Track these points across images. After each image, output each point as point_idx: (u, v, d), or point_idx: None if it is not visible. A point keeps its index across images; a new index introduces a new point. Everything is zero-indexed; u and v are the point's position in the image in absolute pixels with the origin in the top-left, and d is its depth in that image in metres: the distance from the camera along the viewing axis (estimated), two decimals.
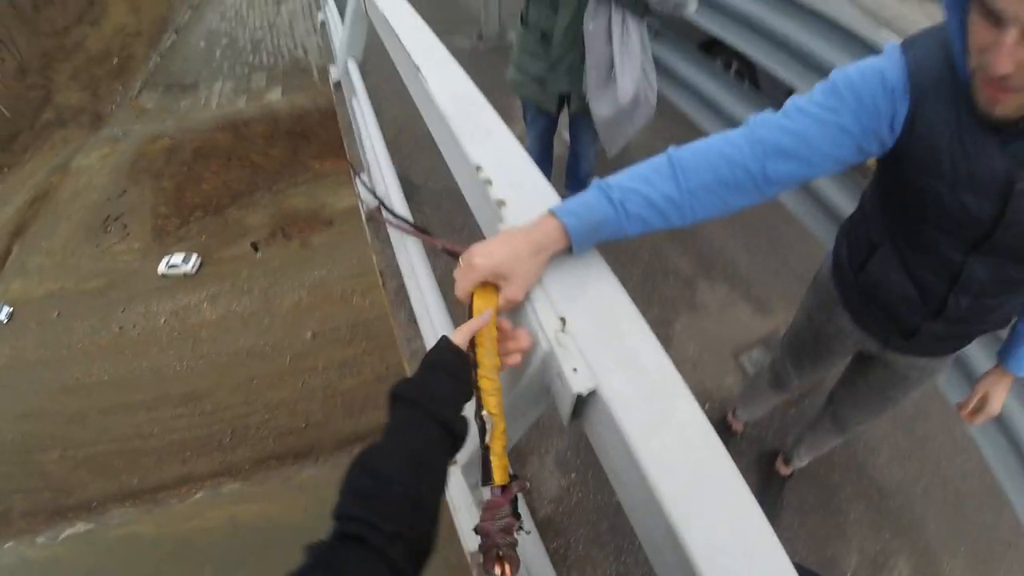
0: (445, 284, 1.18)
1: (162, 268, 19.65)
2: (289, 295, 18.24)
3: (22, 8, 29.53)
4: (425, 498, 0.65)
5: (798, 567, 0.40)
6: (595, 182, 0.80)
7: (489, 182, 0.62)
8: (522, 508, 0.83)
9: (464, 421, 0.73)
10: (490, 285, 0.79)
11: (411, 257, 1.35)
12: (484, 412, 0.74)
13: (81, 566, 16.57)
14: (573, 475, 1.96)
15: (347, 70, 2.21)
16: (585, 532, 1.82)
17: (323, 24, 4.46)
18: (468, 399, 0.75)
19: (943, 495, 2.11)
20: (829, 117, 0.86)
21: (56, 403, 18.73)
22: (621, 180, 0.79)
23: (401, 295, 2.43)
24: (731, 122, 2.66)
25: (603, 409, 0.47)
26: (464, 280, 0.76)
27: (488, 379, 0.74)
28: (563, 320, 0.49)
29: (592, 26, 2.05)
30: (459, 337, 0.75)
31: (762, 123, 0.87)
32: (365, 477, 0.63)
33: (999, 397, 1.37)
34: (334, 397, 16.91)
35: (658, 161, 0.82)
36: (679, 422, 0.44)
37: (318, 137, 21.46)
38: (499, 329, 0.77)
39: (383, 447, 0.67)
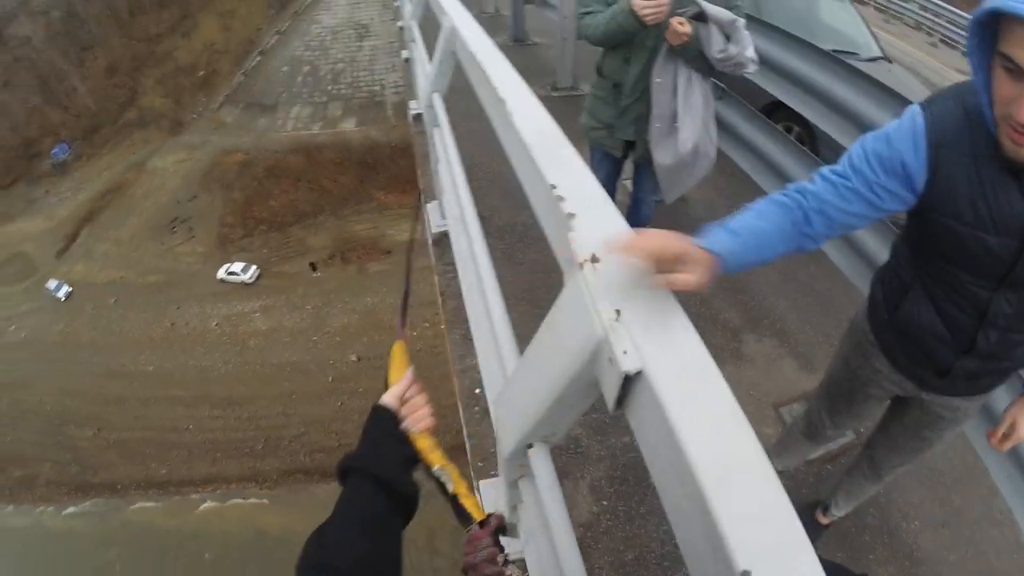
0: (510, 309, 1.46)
1: (221, 274, 22.52)
2: (340, 317, 20.77)
3: (118, 11, 34.08)
4: (383, 569, 0.74)
5: (824, 561, 0.44)
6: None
7: (562, 199, 0.74)
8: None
9: (414, 485, 0.84)
10: (404, 344, 1.03)
11: (482, 279, 1.52)
12: (435, 468, 0.88)
13: (93, 543, 18.67)
14: (605, 503, 2.12)
15: (431, 103, 2.50)
16: (611, 560, 1.98)
17: (407, 60, 5.37)
18: (415, 461, 0.89)
19: (976, 568, 2.19)
20: (849, 187, 1.15)
21: (99, 385, 21.29)
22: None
23: (459, 315, 2.69)
24: (788, 180, 2.87)
25: (647, 389, 0.54)
26: (660, 241, 0.79)
27: (422, 438, 0.89)
28: (618, 311, 0.58)
29: (659, 80, 2.41)
30: (390, 400, 0.91)
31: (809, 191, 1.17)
32: (322, 553, 0.72)
33: None
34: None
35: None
36: (715, 405, 0.51)
37: (386, 170, 24.48)
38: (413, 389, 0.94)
39: (337, 521, 0.76)
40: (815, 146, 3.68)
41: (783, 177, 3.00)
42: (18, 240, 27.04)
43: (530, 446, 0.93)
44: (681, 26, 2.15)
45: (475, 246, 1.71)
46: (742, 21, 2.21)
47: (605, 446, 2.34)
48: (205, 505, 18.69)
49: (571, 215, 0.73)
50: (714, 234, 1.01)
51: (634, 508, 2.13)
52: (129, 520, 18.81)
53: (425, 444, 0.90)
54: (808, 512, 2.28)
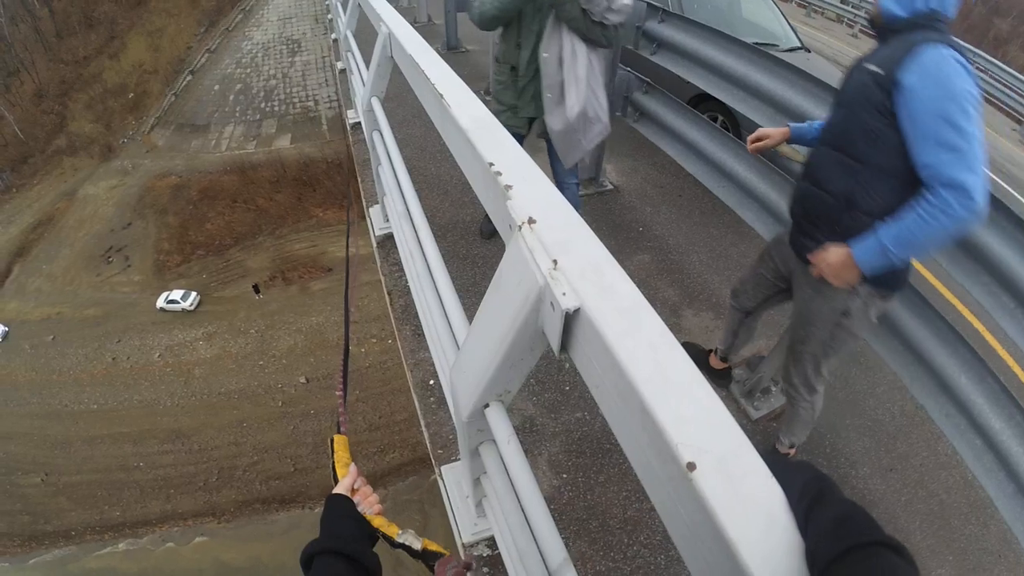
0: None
1: (160, 303, 20.71)
2: (285, 339, 18.70)
3: (45, 34, 29.95)
4: None
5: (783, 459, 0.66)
6: None
7: (499, 173, 0.76)
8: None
9: (373, 555, 0.82)
10: (343, 436, 1.02)
11: (435, 279, 1.49)
12: (398, 535, 0.88)
13: None
14: (565, 476, 2.04)
15: (371, 107, 2.43)
16: (576, 529, 1.90)
17: (343, 71, 5.17)
18: (374, 539, 0.88)
19: (927, 507, 2.14)
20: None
21: (42, 427, 19.08)
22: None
23: (408, 311, 2.62)
24: (715, 165, 2.97)
25: (587, 324, 0.54)
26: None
27: (376, 519, 0.89)
28: (555, 261, 0.59)
29: (546, 54, 2.42)
30: (342, 490, 0.90)
31: None
32: None
33: (836, 257, 1.48)
34: (325, 443, 16.72)
35: None
36: (648, 329, 0.52)
37: (323, 186, 22.17)
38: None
39: None
40: (738, 132, 3.65)
41: (710, 161, 2.95)
42: None
43: (486, 406, 0.91)
44: None
45: (421, 234, 1.64)
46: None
47: (559, 422, 2.21)
48: (166, 545, 16.49)
49: (508, 186, 0.74)
50: None
51: (593, 478, 2.00)
52: (89, 568, 16.38)
53: (381, 522, 0.90)
54: (702, 363, 2.42)
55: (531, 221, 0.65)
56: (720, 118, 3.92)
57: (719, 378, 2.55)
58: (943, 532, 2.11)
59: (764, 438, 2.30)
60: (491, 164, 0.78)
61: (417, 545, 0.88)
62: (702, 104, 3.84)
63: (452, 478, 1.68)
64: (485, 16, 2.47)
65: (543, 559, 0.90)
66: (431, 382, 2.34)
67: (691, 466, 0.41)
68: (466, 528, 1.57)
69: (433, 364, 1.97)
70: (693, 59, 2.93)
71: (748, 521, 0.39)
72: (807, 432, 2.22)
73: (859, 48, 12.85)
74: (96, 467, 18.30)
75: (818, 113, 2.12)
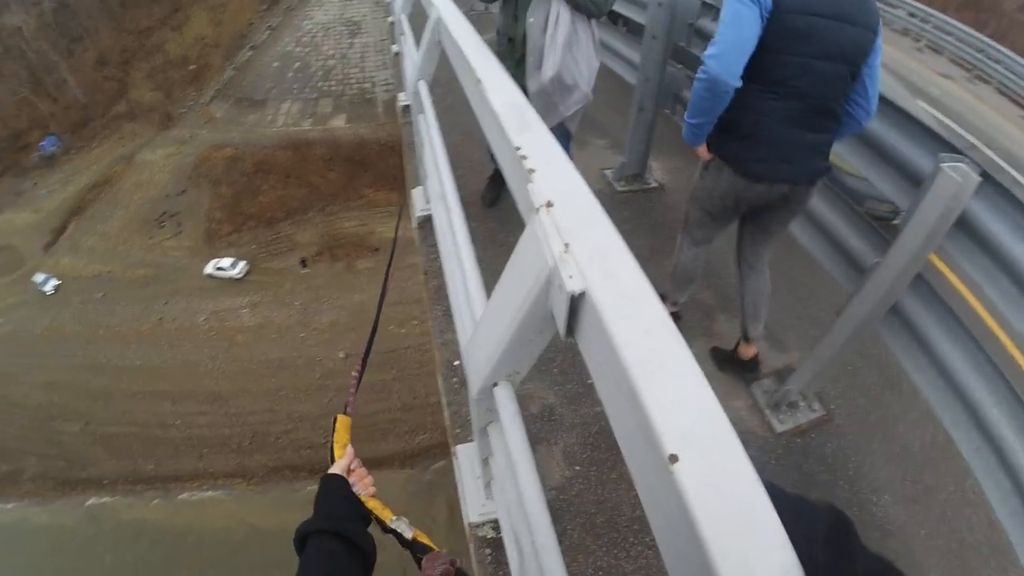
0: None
1: (209, 269, 22.25)
2: (328, 314, 20.45)
3: (110, 3, 33.43)
4: None
5: (786, 494, 0.49)
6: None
7: (524, 157, 0.84)
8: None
9: (368, 535, 0.92)
10: (347, 418, 1.15)
11: (461, 259, 1.63)
12: (392, 520, 1.00)
13: (81, 540, 18.29)
14: (577, 468, 2.18)
15: (417, 90, 2.67)
16: (582, 522, 2.00)
17: (397, 54, 5.66)
18: (368, 520, 0.98)
19: (947, 544, 2.18)
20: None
21: (86, 379, 20.93)
22: None
23: (440, 292, 2.88)
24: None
25: (591, 308, 0.60)
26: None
27: (371, 500, 1.00)
28: (567, 245, 0.66)
29: (532, 19, 2.71)
30: (338, 471, 1.02)
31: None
32: None
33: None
34: (359, 419, 18.54)
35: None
36: (648, 315, 0.56)
37: (375, 167, 24.12)
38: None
39: None
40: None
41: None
42: (5, 233, 26.52)
43: (495, 385, 0.99)
44: None
45: (452, 213, 1.79)
46: None
47: (578, 415, 2.39)
48: (194, 498, 18.40)
49: (531, 170, 0.82)
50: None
51: (605, 474, 2.17)
52: (118, 516, 18.46)
53: (375, 505, 0.99)
54: (730, 359, 2.65)
55: (549, 205, 0.73)
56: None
57: (747, 370, 2.70)
58: (960, 572, 2.17)
59: (786, 452, 2.38)
60: (518, 148, 0.88)
61: (408, 534, 0.98)
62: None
63: (466, 458, 1.82)
64: None
65: (533, 541, 0.95)
66: (455, 363, 2.56)
67: (673, 458, 0.44)
68: (474, 508, 1.73)
69: (458, 345, 2.19)
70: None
71: (725, 520, 0.42)
72: (683, 289, 2.66)
73: (923, 63, 13.30)
74: (134, 421, 19.62)
75: (868, 121, 2.20)
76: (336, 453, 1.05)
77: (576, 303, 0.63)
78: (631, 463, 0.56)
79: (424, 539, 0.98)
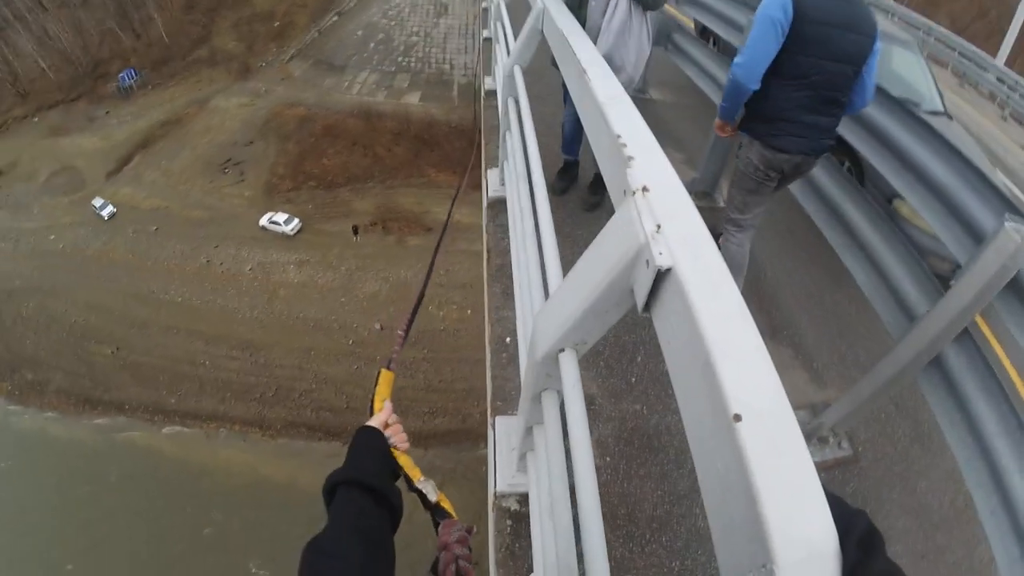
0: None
1: (263, 221, 23.29)
2: (371, 284, 21.75)
3: None
4: (380, 572, 0.83)
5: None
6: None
7: (624, 145, 0.94)
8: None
9: (397, 491, 0.96)
10: (390, 373, 1.22)
11: (542, 234, 1.71)
12: (419, 481, 1.05)
13: (92, 457, 19.85)
14: (608, 459, 2.31)
15: (512, 74, 2.88)
16: (604, 511, 1.64)
17: (487, 39, 6.03)
18: (396, 475, 1.03)
19: None
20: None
21: (126, 306, 22.37)
22: None
23: (501, 272, 3.07)
24: (832, 208, 3.28)
25: (675, 283, 0.68)
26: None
27: (403, 456, 1.07)
28: (659, 226, 0.74)
29: (594, 4, 3.20)
30: (375, 423, 1.09)
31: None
32: (322, 561, 0.80)
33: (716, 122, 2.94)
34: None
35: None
36: (726, 297, 0.65)
37: (441, 148, 25.52)
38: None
39: (333, 531, 0.85)
40: (862, 180, 4.01)
41: (829, 203, 3.32)
42: (71, 154, 28.76)
43: (561, 351, 1.08)
44: None
45: (537, 193, 1.94)
46: None
47: (617, 409, 2.59)
48: (210, 438, 19.97)
49: (631, 157, 0.93)
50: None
51: (634, 469, 2.35)
52: (133, 441, 20.07)
53: (406, 461, 1.07)
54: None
55: (645, 189, 0.82)
56: (847, 163, 4.17)
57: None
58: None
59: None
60: (618, 136, 0.98)
61: (433, 497, 1.05)
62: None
63: (503, 429, 1.98)
64: None
65: (575, 515, 1.02)
66: (507, 339, 2.71)
67: (737, 417, 0.51)
68: (503, 478, 1.89)
69: (514, 323, 2.33)
70: None
71: (777, 477, 0.48)
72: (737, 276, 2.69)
73: (1006, 131, 13.40)
74: (165, 354, 20.85)
75: (941, 176, 2.45)
76: (376, 406, 1.15)
77: (661, 278, 0.72)
78: (691, 425, 0.64)
79: (447, 504, 1.05)
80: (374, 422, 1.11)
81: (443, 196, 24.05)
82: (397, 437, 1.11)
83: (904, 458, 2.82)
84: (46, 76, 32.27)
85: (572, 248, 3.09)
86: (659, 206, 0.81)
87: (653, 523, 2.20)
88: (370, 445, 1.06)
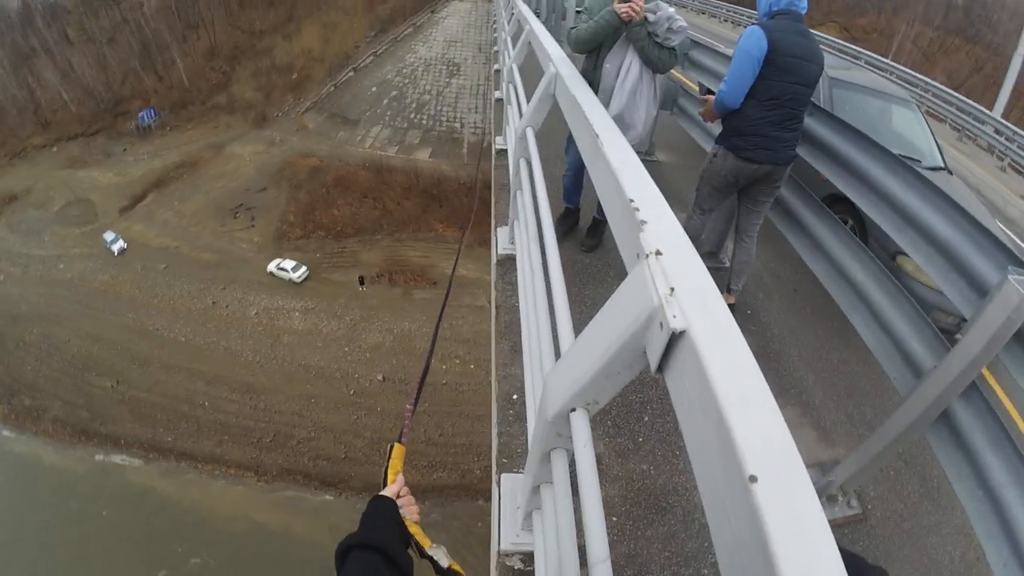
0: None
1: (271, 267, 24.03)
2: (375, 334, 22.55)
3: (229, 1, 39.12)
4: None
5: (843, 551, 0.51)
6: None
7: (637, 209, 1.01)
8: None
9: (409, 558, 1.03)
10: (402, 447, 1.30)
11: (553, 294, 1.77)
12: (430, 548, 1.13)
13: (85, 489, 20.12)
14: (614, 519, 2.46)
15: (524, 136, 3.00)
16: None
17: (499, 100, 6.29)
18: (408, 543, 1.11)
19: None
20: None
21: (129, 340, 22.74)
22: None
23: (510, 329, 3.22)
24: (837, 267, 3.37)
25: (689, 345, 0.71)
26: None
27: (414, 526, 1.16)
28: (672, 288, 0.78)
29: (608, 65, 3.55)
30: (389, 493, 1.19)
31: None
32: None
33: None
34: (380, 442, 20.56)
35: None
36: (738, 357, 0.68)
37: (449, 204, 26.82)
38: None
39: None
40: (865, 238, 4.10)
41: (833, 262, 3.38)
42: (86, 187, 29.78)
43: (572, 411, 1.14)
44: (636, 5, 3.30)
45: (549, 253, 1.99)
46: (681, 23, 3.44)
47: (624, 469, 2.64)
48: (204, 480, 20.15)
49: (644, 221, 1.01)
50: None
51: (640, 530, 2.38)
52: (126, 477, 20.69)
53: (417, 531, 1.18)
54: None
55: (658, 253, 0.87)
56: (850, 222, 4.33)
57: None
58: None
59: None
60: (631, 200, 1.04)
61: (444, 563, 1.12)
62: (833, 206, 4.05)
63: (508, 487, 2.04)
64: (579, 40, 3.57)
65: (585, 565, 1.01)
66: (515, 396, 2.86)
67: (752, 478, 0.53)
68: (507, 537, 1.95)
69: (521, 380, 2.43)
70: (835, 157, 3.45)
71: (795, 538, 0.50)
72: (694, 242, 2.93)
73: (1005, 182, 13.88)
74: (165, 392, 21.36)
75: (943, 231, 2.54)
76: (389, 478, 1.25)
77: (675, 340, 0.75)
78: (705, 484, 0.65)
79: (458, 569, 1.14)
80: (388, 492, 1.21)
81: (449, 251, 25.42)
82: (408, 508, 1.21)
83: (914, 514, 2.88)
84: (68, 108, 34.09)
85: (579, 307, 3.23)
86: (672, 269, 0.86)
87: None
88: (384, 513, 1.15)
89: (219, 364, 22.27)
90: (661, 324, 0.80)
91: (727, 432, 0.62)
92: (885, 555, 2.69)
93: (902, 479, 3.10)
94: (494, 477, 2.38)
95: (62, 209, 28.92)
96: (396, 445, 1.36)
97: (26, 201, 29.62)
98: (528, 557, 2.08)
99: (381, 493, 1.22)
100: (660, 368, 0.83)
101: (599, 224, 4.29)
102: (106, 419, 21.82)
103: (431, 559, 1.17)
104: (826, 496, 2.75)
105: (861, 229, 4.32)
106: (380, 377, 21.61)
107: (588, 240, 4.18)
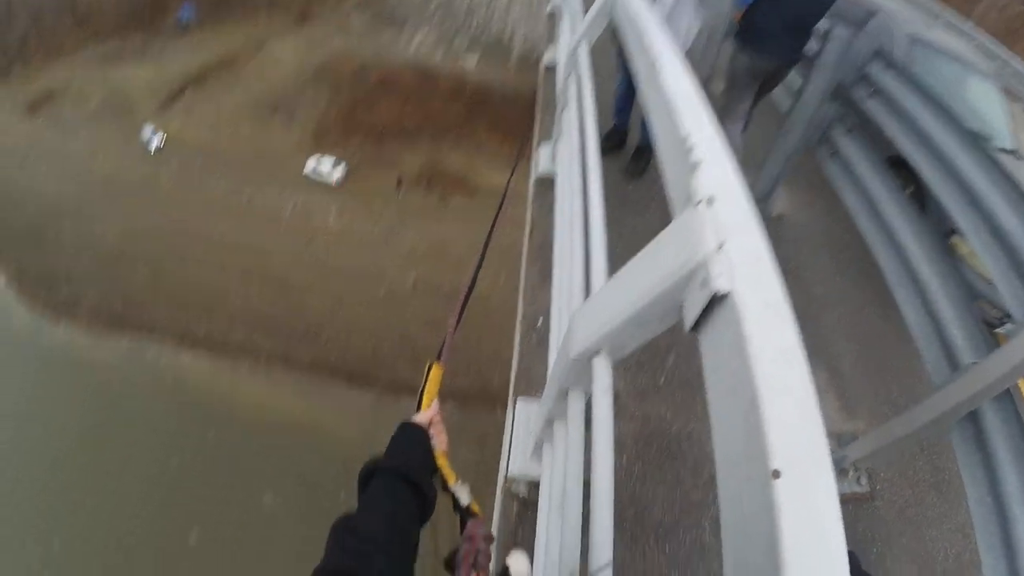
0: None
1: (309, 166, 24.37)
2: (410, 239, 23.04)
3: None
4: (404, 561, 0.92)
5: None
6: None
7: (692, 148, 0.95)
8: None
9: (434, 488, 1.08)
10: (441, 369, 1.31)
11: (591, 223, 1.70)
12: (455, 484, 1.17)
13: (119, 378, 21.95)
14: (624, 458, 2.47)
15: (576, 52, 2.90)
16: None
17: (551, 14, 6.55)
18: (434, 470, 1.14)
19: None
20: None
21: (164, 235, 23.73)
22: None
23: (542, 251, 3.21)
24: (889, 234, 3.24)
25: (731, 309, 0.69)
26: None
27: (442, 458, 1.18)
28: (721, 243, 0.74)
29: None
30: (422, 420, 1.20)
31: None
32: (350, 538, 0.88)
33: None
34: (406, 345, 21.28)
35: None
36: (783, 334, 0.65)
37: (495, 113, 26.63)
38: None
39: (365, 512, 0.96)
40: (923, 208, 3.99)
41: (886, 228, 3.25)
42: (123, 83, 30.79)
43: (596, 354, 1.13)
44: None
45: (590, 179, 1.88)
46: None
47: (641, 409, 2.71)
48: (235, 370, 21.97)
49: (697, 162, 0.95)
50: None
51: (649, 473, 2.49)
52: (159, 364, 22.30)
53: (444, 463, 1.21)
54: None
55: (710, 200, 0.82)
56: (910, 189, 4.22)
57: None
58: None
59: None
60: (686, 137, 0.99)
61: (465, 500, 1.19)
62: (894, 169, 4.13)
63: (523, 412, 2.11)
64: None
65: (582, 517, 1.11)
66: (539, 322, 2.90)
67: (776, 473, 0.54)
68: (516, 463, 2.03)
69: (548, 305, 2.45)
70: (906, 118, 3.28)
71: (807, 546, 0.51)
72: None
73: None
74: (199, 284, 22.07)
75: (1008, 222, 2.44)
76: (424, 403, 1.28)
77: (716, 302, 0.72)
78: (724, 470, 0.65)
79: (476, 509, 1.19)
80: (420, 419, 1.23)
81: (492, 160, 25.66)
82: (439, 438, 1.23)
83: (919, 503, 2.98)
84: (105, 5, 35.31)
85: (615, 235, 3.14)
86: (724, 220, 0.80)
87: (659, 529, 2.36)
88: (414, 440, 1.17)
89: (253, 260, 23.10)
90: (704, 282, 0.77)
91: (758, 418, 0.61)
92: (884, 538, 2.77)
93: (915, 465, 3.18)
94: (510, 400, 2.48)
95: (99, 105, 29.85)
96: (435, 366, 1.38)
97: (64, 97, 30.66)
98: (534, 486, 2.10)
99: (413, 420, 1.25)
100: (695, 328, 0.82)
101: (644, 151, 4.34)
102: (140, 309, 22.97)
103: (453, 494, 1.23)
104: (838, 469, 2.75)
105: (920, 200, 4.24)
106: (412, 282, 22.25)
107: (632, 166, 4.26)
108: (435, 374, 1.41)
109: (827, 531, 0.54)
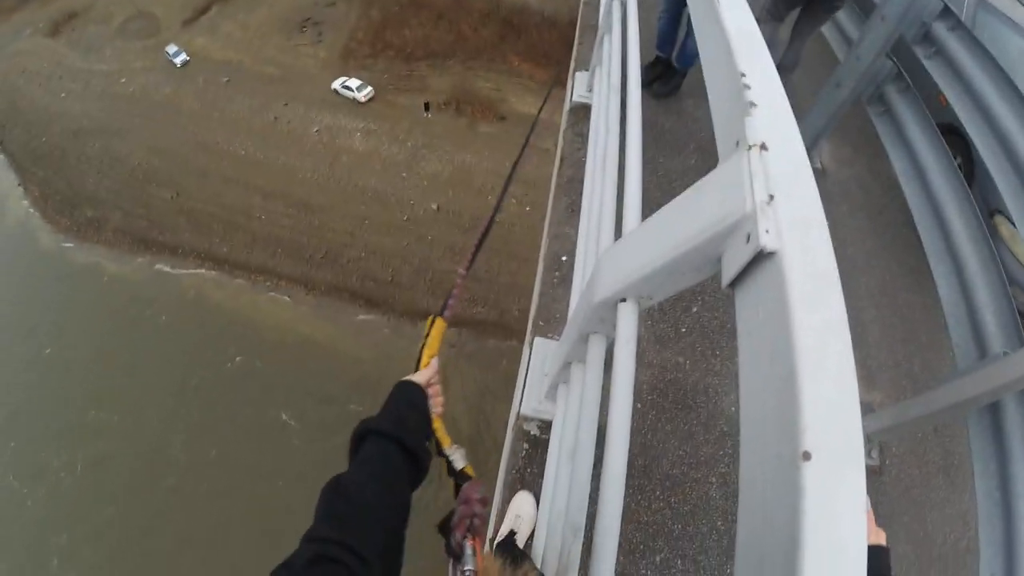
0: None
1: (336, 85, 24.37)
2: (434, 163, 22.49)
3: None
4: (396, 528, 0.89)
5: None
6: None
7: (748, 87, 0.88)
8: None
9: (429, 453, 1.04)
10: (444, 323, 1.27)
11: (628, 159, 1.66)
12: (449, 448, 1.15)
13: (143, 296, 21.78)
14: (638, 406, 2.47)
15: None
16: None
17: None
18: (429, 435, 1.11)
19: None
20: None
21: (189, 153, 23.56)
22: None
23: (571, 185, 3.12)
24: (934, 202, 3.23)
25: (775, 271, 0.64)
26: None
27: (437, 420, 1.15)
28: (772, 196, 0.68)
29: None
30: (420, 380, 1.16)
31: None
32: (341, 502, 0.86)
33: None
34: (427, 270, 21.07)
35: None
36: (831, 305, 0.62)
37: (529, 37, 25.98)
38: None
39: (357, 475, 0.93)
40: (970, 180, 3.82)
41: (931, 196, 3.18)
42: (148, 2, 30.23)
43: (622, 300, 1.07)
44: None
45: (630, 112, 1.87)
46: None
47: (659, 357, 2.64)
48: (256, 290, 21.94)
49: (752, 103, 0.85)
50: None
51: (662, 423, 2.42)
52: (182, 284, 22.93)
53: (439, 426, 1.18)
54: None
55: (763, 147, 0.75)
56: (959, 159, 4.01)
57: None
58: None
59: None
60: (743, 75, 0.90)
61: (459, 465, 1.16)
62: (944, 136, 3.88)
63: (540, 352, 2.06)
64: None
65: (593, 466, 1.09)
66: (563, 258, 2.80)
67: (806, 455, 0.51)
68: (529, 403, 1.99)
69: (574, 242, 2.36)
70: (966, 84, 3.14)
71: (828, 536, 0.49)
72: None
73: None
74: (223, 204, 22.42)
75: None
76: (424, 360, 1.23)
77: (760, 260, 0.68)
78: (748, 445, 0.62)
79: (471, 472, 1.16)
80: (418, 379, 1.19)
81: (523, 86, 25.28)
82: (435, 400, 1.20)
83: (926, 484, 2.94)
84: None
85: (649, 175, 3.03)
86: (777, 171, 0.73)
87: (667, 481, 2.30)
88: (412, 402, 1.14)
89: (277, 179, 23.44)
90: (748, 236, 0.72)
91: (794, 394, 0.58)
92: (887, 515, 2.77)
93: (926, 445, 3.14)
94: (527, 337, 2.39)
95: (123, 23, 30.15)
96: (437, 320, 1.32)
97: (87, 17, 30.99)
98: (546, 425, 2.08)
99: (411, 379, 1.20)
100: (733, 284, 0.77)
101: (672, 72, 4.14)
102: (164, 229, 23.48)
103: (447, 458, 1.19)
104: None
105: (968, 170, 4.06)
106: (435, 207, 22.33)
107: (660, 87, 4.04)
108: (438, 329, 1.32)
109: (851, 524, 0.53)
